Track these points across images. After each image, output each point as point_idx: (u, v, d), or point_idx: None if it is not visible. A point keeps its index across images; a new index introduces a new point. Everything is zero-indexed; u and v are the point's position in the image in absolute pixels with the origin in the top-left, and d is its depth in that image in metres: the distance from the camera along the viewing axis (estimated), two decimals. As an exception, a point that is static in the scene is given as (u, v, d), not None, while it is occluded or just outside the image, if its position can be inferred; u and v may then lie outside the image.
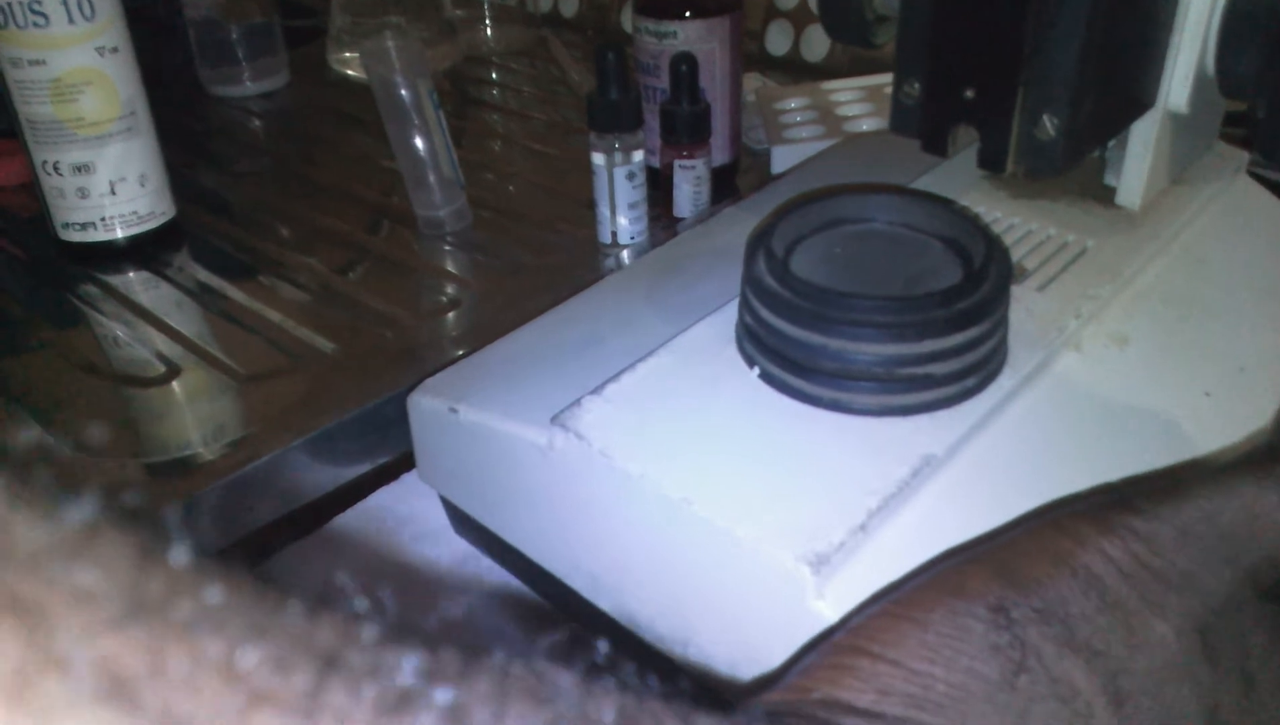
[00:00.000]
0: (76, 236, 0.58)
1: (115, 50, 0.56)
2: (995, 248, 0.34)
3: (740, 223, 0.46)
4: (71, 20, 0.54)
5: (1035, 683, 0.22)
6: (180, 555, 0.16)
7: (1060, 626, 0.23)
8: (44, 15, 0.53)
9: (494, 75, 0.90)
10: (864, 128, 0.66)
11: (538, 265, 0.59)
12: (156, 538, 0.15)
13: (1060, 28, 0.33)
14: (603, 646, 0.18)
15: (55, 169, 0.57)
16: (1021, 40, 0.33)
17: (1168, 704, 0.23)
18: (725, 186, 0.65)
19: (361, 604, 0.17)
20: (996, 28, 0.33)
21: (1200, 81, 0.39)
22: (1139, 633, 0.23)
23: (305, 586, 0.17)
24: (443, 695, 0.16)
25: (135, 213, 0.59)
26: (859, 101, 0.69)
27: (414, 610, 0.17)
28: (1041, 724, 0.22)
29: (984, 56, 0.34)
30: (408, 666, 0.16)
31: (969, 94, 0.35)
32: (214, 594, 0.15)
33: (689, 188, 0.60)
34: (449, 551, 0.42)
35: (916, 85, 0.36)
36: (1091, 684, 0.22)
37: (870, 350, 0.32)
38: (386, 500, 0.45)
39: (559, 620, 0.33)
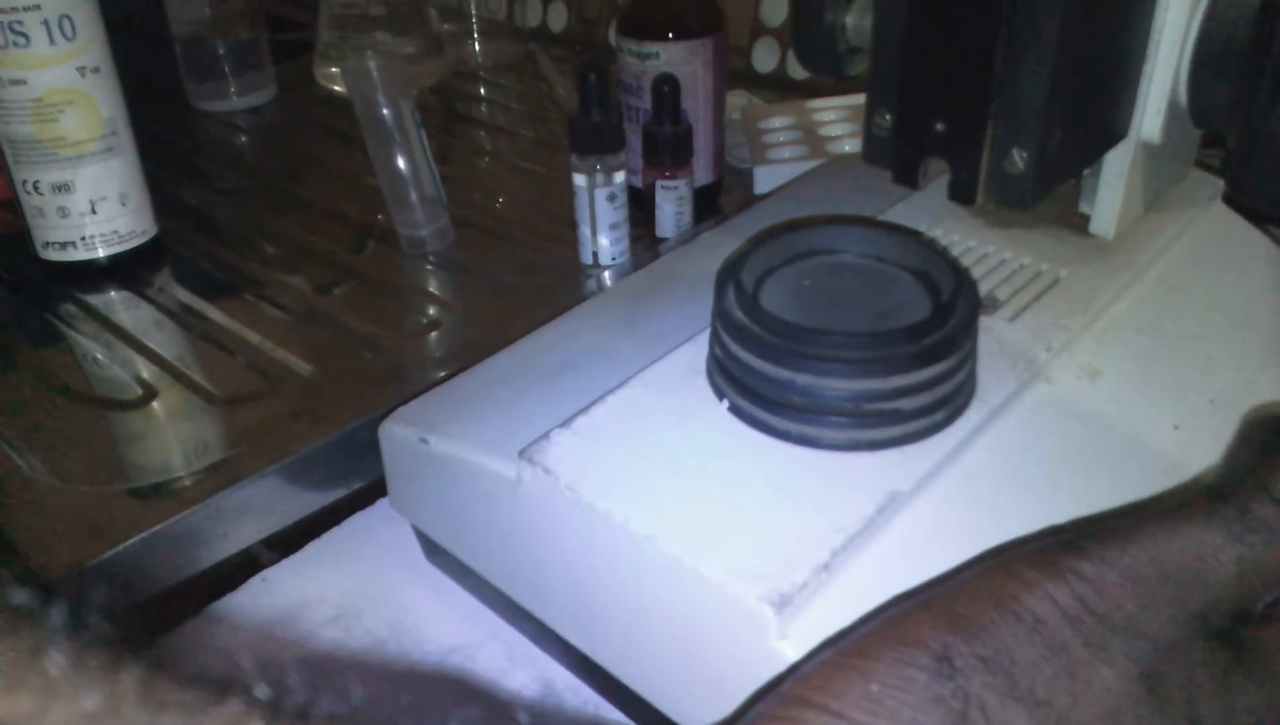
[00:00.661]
0: (57, 256, 0.58)
1: (97, 70, 0.56)
2: (963, 281, 0.34)
3: (718, 248, 0.46)
4: (52, 40, 0.54)
5: None
6: (57, 663, 0.15)
7: (1003, 675, 0.23)
8: (25, 35, 0.53)
9: (482, 91, 0.90)
10: (847, 148, 0.66)
11: (520, 285, 0.59)
12: (35, 636, 0.15)
13: (1028, 62, 0.33)
14: (524, 719, 0.18)
15: (35, 188, 0.57)
16: (990, 74, 0.33)
17: None
18: (708, 206, 0.65)
19: (263, 691, 0.16)
20: (965, 61, 0.34)
21: (1173, 112, 0.39)
22: (1083, 679, 0.23)
23: (238, 645, 0.17)
24: None
25: (116, 232, 0.59)
26: (843, 121, 0.69)
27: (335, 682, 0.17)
28: None
29: (953, 90, 0.34)
30: None
31: (939, 127, 0.35)
32: (91, 701, 0.15)
33: (671, 208, 0.60)
34: (426, 582, 0.42)
35: (888, 117, 0.36)
36: None
37: (838, 386, 0.32)
38: (361, 525, 0.45)
39: (485, 694, 0.33)
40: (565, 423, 0.34)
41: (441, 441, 0.36)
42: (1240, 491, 0.26)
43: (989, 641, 0.23)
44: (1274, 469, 0.26)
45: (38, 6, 0.53)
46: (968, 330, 0.33)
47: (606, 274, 0.58)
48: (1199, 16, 0.37)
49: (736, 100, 0.77)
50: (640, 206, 0.61)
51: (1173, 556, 0.25)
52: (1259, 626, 0.26)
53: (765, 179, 0.65)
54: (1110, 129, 0.38)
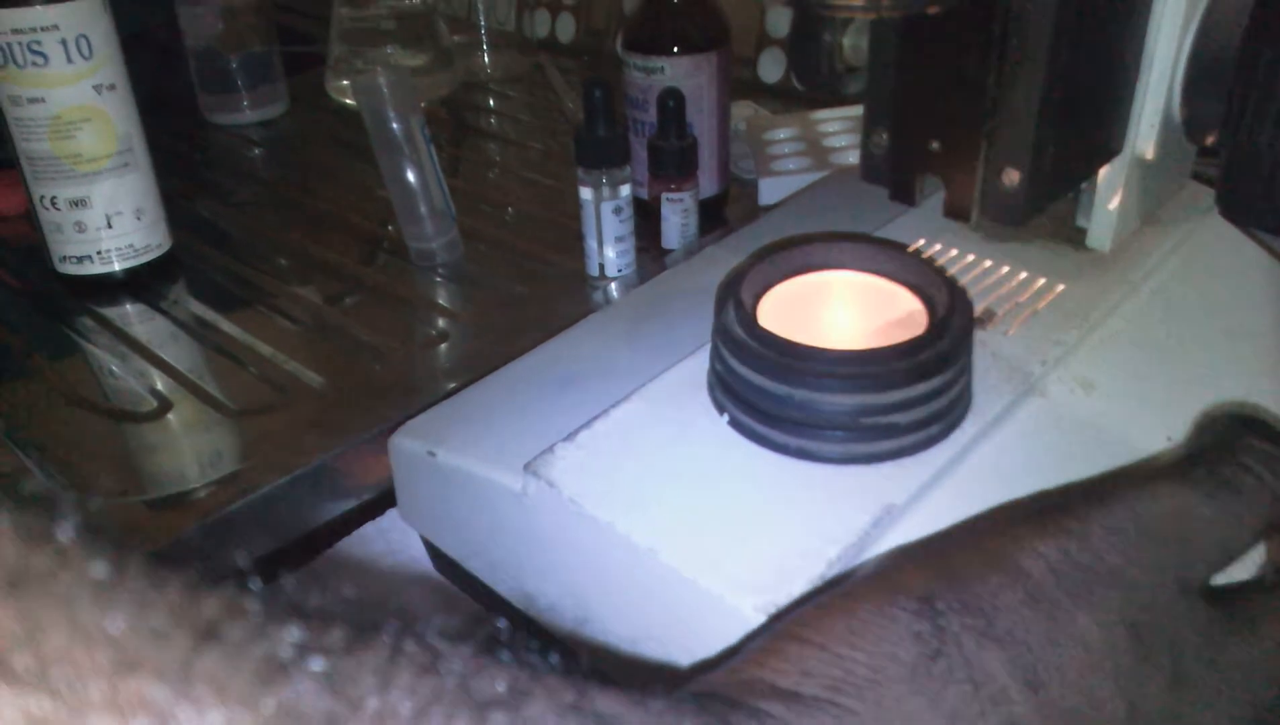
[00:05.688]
0: (73, 269, 0.59)
1: (112, 87, 0.57)
2: (958, 296, 0.34)
3: (721, 262, 0.46)
4: (70, 60, 0.55)
5: (952, 668, 0.23)
6: (67, 532, 0.17)
7: (982, 618, 0.24)
8: (43, 55, 0.55)
9: (491, 102, 0.91)
10: (851, 159, 0.66)
11: (528, 297, 0.59)
12: (49, 516, 0.17)
13: (1021, 81, 0.34)
14: (502, 623, 0.19)
15: (52, 203, 0.58)
16: (983, 94, 0.34)
17: (1087, 692, 0.24)
18: (714, 217, 0.66)
19: (255, 584, 0.18)
20: (958, 82, 0.34)
21: (1168, 127, 0.39)
22: (1062, 624, 0.24)
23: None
24: (320, 664, 0.17)
25: (131, 246, 0.60)
26: (847, 132, 0.70)
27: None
28: (956, 707, 0.23)
29: (947, 109, 0.35)
30: (288, 639, 0.17)
31: (934, 145, 0.36)
32: (99, 569, 0.16)
33: (677, 220, 0.61)
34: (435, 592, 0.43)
35: (884, 136, 0.37)
36: (1007, 670, 0.23)
37: (834, 401, 0.32)
38: (371, 535, 0.46)
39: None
40: (569, 436, 0.35)
41: (449, 454, 0.37)
42: (1208, 456, 0.28)
43: (972, 589, 0.24)
44: (1237, 442, 0.28)
45: (56, 27, 0.54)
46: (962, 345, 0.33)
47: (613, 286, 0.59)
48: (1192, 33, 0.38)
49: (742, 111, 0.78)
50: (647, 217, 0.61)
51: (1154, 515, 0.26)
52: (1253, 592, 0.28)
53: (770, 190, 0.66)
54: (1104, 145, 0.39)
